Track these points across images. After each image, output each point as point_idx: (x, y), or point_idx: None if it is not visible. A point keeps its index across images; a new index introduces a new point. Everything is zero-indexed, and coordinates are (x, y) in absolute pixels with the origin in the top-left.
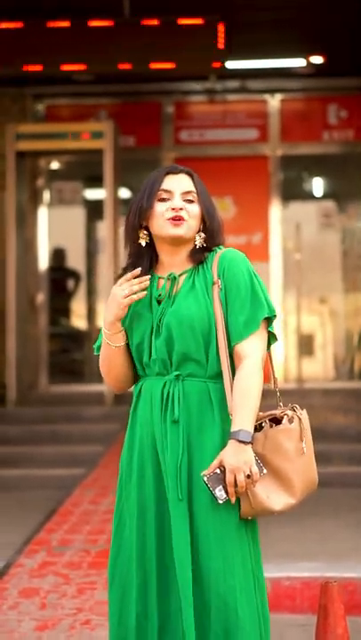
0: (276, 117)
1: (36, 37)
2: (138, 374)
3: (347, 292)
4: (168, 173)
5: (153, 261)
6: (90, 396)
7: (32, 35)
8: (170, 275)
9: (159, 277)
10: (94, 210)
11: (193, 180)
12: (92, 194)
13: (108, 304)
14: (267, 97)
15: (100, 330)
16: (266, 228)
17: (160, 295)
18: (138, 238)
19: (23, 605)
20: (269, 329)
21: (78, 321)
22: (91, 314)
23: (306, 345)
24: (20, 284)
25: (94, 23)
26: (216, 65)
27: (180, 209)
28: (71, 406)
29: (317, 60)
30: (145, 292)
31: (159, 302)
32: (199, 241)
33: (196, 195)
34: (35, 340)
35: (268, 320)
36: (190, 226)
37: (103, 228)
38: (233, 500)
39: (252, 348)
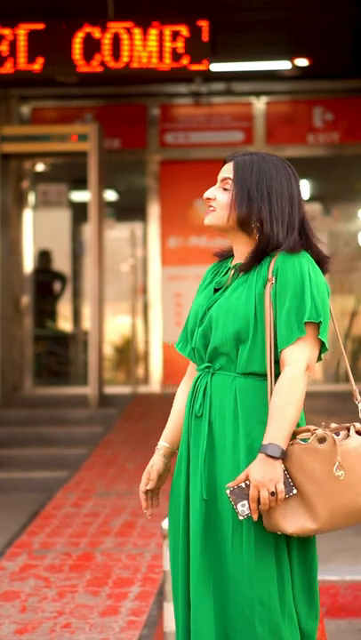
0: (262, 120)
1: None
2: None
3: (333, 294)
4: (224, 162)
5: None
6: (74, 398)
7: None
8: (235, 265)
9: (229, 267)
10: (79, 212)
11: (235, 166)
12: (78, 196)
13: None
14: (252, 99)
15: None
16: None
17: (218, 284)
18: None
19: (3, 609)
20: (320, 337)
21: (64, 323)
22: (76, 316)
23: None
24: (4, 286)
25: (79, 25)
26: (201, 67)
27: (208, 198)
28: (56, 409)
29: (303, 62)
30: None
31: (216, 291)
32: (259, 232)
33: (231, 181)
34: (20, 342)
35: (319, 327)
36: (218, 215)
37: (88, 231)
38: (255, 516)
39: (296, 355)
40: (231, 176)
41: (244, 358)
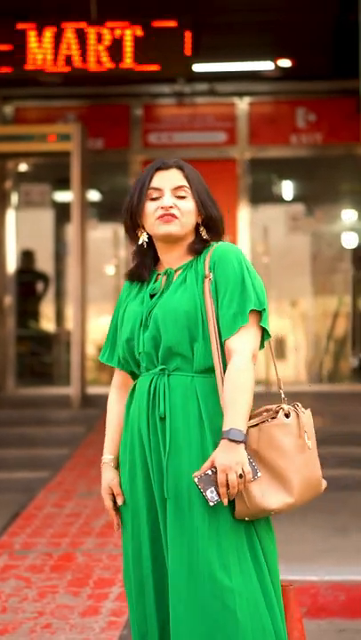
0: (245, 120)
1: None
2: (135, 375)
3: (316, 295)
4: (158, 170)
5: (156, 258)
6: (57, 398)
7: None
8: (166, 270)
9: (157, 274)
10: (62, 212)
11: (185, 173)
12: (61, 196)
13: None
14: (235, 100)
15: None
16: (234, 230)
17: (154, 289)
18: (137, 237)
19: None
20: (262, 324)
21: (47, 323)
22: (59, 316)
23: (275, 348)
24: None
25: (64, 25)
26: (184, 68)
27: (171, 207)
28: (38, 409)
29: (286, 63)
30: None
31: (152, 297)
32: (204, 234)
33: (188, 189)
34: (2, 342)
35: (261, 315)
36: (183, 223)
37: (71, 231)
38: (225, 501)
39: (242, 343)
40: (185, 183)
41: (199, 356)
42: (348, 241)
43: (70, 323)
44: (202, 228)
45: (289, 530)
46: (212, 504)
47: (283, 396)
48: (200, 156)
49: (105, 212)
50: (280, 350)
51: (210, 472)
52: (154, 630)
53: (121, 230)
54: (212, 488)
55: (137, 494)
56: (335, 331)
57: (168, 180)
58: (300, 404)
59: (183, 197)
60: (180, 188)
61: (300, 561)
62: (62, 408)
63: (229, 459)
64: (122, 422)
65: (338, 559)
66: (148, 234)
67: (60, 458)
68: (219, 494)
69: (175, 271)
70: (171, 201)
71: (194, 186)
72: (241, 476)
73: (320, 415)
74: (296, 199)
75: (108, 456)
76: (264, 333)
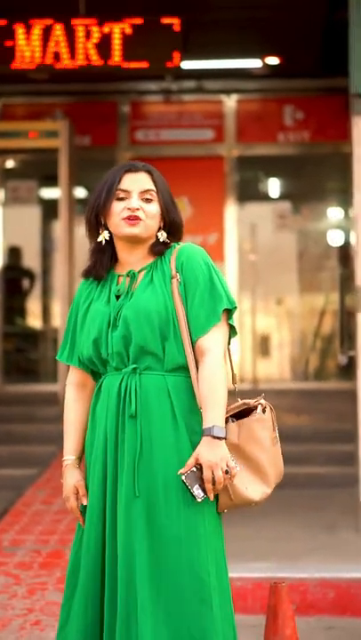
0: (232, 118)
1: None
2: (98, 373)
3: (302, 292)
4: (127, 172)
5: (114, 258)
6: (44, 395)
7: None
8: (129, 272)
9: (119, 275)
10: (50, 209)
11: (153, 177)
12: (48, 193)
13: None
14: (223, 97)
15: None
16: (221, 228)
17: (119, 291)
18: (98, 235)
19: None
20: (230, 322)
21: (33, 320)
22: (46, 313)
23: (261, 346)
24: None
25: (52, 21)
26: (172, 64)
27: (137, 209)
28: (25, 406)
29: (274, 61)
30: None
31: (117, 298)
32: (162, 237)
33: (155, 193)
34: None
35: (229, 313)
36: (147, 225)
37: (59, 228)
38: (211, 497)
39: (213, 341)
40: (152, 187)
41: (170, 355)
42: (335, 239)
43: (57, 319)
44: (161, 232)
45: (278, 527)
46: (199, 500)
47: (235, 390)
48: (187, 153)
49: None
50: (265, 348)
51: (194, 469)
52: (95, 630)
53: None
54: (198, 485)
55: (104, 492)
56: (322, 328)
57: (136, 183)
58: (250, 401)
59: (150, 201)
60: (147, 191)
61: (289, 558)
62: (49, 405)
63: (215, 455)
64: (83, 421)
65: (326, 556)
66: (109, 233)
67: (48, 455)
68: (204, 490)
69: (139, 272)
70: (137, 203)
71: (160, 191)
72: (227, 472)
73: (307, 413)
74: (283, 197)
75: (70, 457)
76: (231, 330)
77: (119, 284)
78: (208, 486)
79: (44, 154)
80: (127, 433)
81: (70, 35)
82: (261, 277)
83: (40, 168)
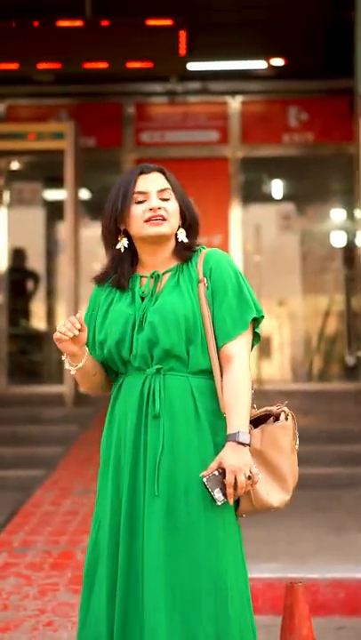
0: (237, 119)
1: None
2: (117, 372)
3: (306, 294)
4: (141, 174)
5: (134, 263)
6: (49, 397)
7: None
8: (153, 273)
9: (142, 276)
10: (54, 210)
11: (166, 176)
12: (53, 194)
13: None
14: (228, 99)
15: None
16: (226, 229)
17: (144, 292)
18: (117, 242)
19: None
20: (256, 330)
21: (38, 322)
22: (50, 315)
23: (265, 347)
24: None
25: (61, 23)
26: (178, 66)
27: (159, 208)
28: (31, 407)
29: (278, 62)
30: (78, 333)
31: (142, 299)
32: (181, 236)
33: (171, 191)
34: None
35: (255, 321)
36: (172, 224)
37: (64, 229)
38: (231, 501)
39: (240, 348)
40: (168, 186)
41: (195, 358)
42: (339, 240)
43: (62, 321)
44: (180, 230)
45: (288, 529)
46: (219, 503)
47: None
48: (192, 154)
49: (96, 211)
50: (267, 349)
51: (216, 473)
52: (117, 626)
53: None
54: (219, 488)
55: (121, 491)
56: (326, 329)
57: (152, 183)
58: (272, 409)
59: (168, 199)
60: (164, 190)
61: (299, 559)
62: (55, 406)
63: (238, 461)
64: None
65: (336, 557)
66: (127, 240)
67: (55, 456)
68: (225, 494)
69: (163, 274)
70: (158, 203)
71: (175, 189)
72: (249, 478)
73: (313, 414)
74: (288, 198)
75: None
76: (254, 338)
77: (142, 286)
78: (230, 491)
79: (50, 155)
80: (150, 433)
81: (77, 36)
82: (265, 278)
83: (45, 170)
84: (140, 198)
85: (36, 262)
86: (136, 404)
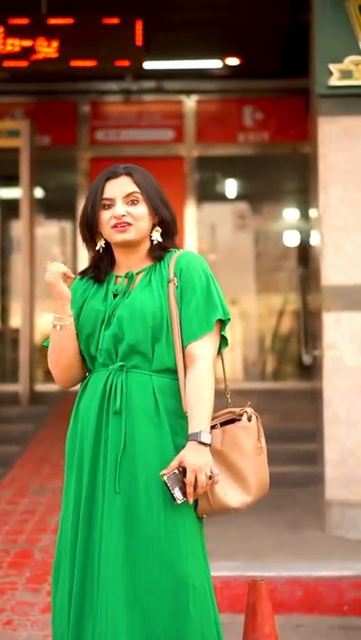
0: (192, 118)
1: None
2: (88, 370)
3: (259, 293)
4: (108, 179)
5: (113, 261)
6: (4, 396)
7: None
8: (127, 273)
9: (117, 276)
10: (9, 209)
11: (134, 179)
12: (8, 193)
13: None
14: (183, 98)
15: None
16: (181, 228)
17: (117, 290)
18: (95, 244)
19: None
20: (222, 333)
21: None
22: (4, 313)
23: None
24: None
25: (15, 21)
26: (133, 64)
27: (123, 215)
28: None
29: (233, 61)
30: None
31: (115, 297)
32: (156, 236)
33: (139, 194)
34: None
35: (222, 324)
36: (139, 228)
37: (19, 227)
38: (191, 500)
39: (204, 349)
40: (135, 189)
41: (159, 356)
42: (293, 239)
43: (16, 319)
44: (155, 230)
45: (244, 527)
46: (178, 502)
47: (228, 396)
48: (147, 153)
49: (51, 209)
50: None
51: (177, 471)
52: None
53: (67, 228)
54: (179, 487)
55: (82, 487)
56: (280, 328)
57: (119, 189)
58: (251, 408)
59: (135, 203)
60: (130, 194)
61: (257, 557)
62: (11, 405)
63: (199, 460)
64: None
65: (292, 555)
66: (105, 239)
67: (11, 455)
68: (184, 493)
69: (137, 274)
70: (123, 209)
71: (145, 191)
72: (210, 477)
73: (267, 412)
74: (242, 197)
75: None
76: (221, 342)
77: (117, 284)
78: (189, 490)
79: (5, 153)
80: (111, 429)
81: (31, 33)
82: (220, 277)
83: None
84: (107, 204)
85: None
86: (98, 400)
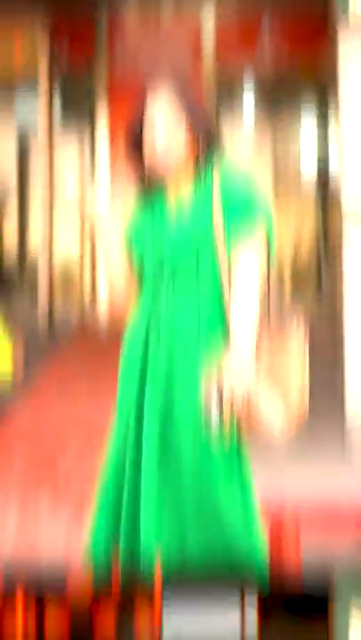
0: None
1: None
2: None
3: (278, 215)
4: (151, 101)
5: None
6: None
7: None
8: (174, 191)
9: (165, 195)
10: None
11: (176, 95)
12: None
13: None
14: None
15: None
16: None
17: (166, 210)
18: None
19: None
20: (267, 235)
21: None
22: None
23: None
24: None
25: None
26: None
27: (160, 148)
28: None
29: None
30: None
31: (164, 217)
32: (200, 150)
33: (177, 117)
34: None
35: (265, 228)
36: (176, 157)
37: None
38: (228, 419)
39: (249, 255)
40: (173, 113)
41: (205, 274)
42: (311, 161)
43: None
44: (200, 140)
45: None
46: (215, 423)
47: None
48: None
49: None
50: None
51: (215, 387)
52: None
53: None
54: (216, 409)
55: (131, 403)
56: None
57: (159, 114)
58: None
59: (173, 132)
60: (169, 122)
61: None
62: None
63: (239, 374)
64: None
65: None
66: None
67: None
68: (222, 414)
69: (182, 191)
70: (158, 145)
71: (186, 105)
72: (248, 394)
73: None
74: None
75: None
76: (270, 246)
77: (166, 204)
78: (227, 408)
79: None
80: (157, 347)
81: None
82: None
83: None
84: (149, 130)
85: None
86: (147, 319)
